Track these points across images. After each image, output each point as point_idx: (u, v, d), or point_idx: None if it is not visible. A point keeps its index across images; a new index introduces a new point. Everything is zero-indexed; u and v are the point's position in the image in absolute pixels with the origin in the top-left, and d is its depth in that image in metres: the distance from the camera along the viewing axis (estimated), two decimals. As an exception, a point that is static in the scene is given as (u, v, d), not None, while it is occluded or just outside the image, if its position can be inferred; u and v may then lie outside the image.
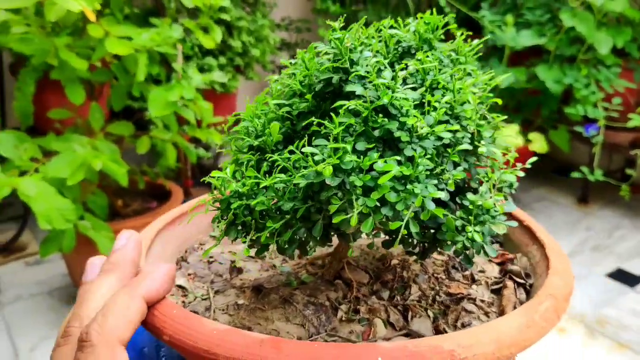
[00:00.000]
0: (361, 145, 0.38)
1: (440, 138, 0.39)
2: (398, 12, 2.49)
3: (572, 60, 2.11)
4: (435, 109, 0.39)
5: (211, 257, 0.55)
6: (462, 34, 0.46)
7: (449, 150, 0.39)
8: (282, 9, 2.69)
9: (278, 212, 0.39)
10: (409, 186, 0.36)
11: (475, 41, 0.45)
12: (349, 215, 0.36)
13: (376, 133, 0.38)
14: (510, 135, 2.00)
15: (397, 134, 0.37)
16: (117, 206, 1.76)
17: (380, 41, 0.45)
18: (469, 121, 0.41)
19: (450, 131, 0.40)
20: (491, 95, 0.44)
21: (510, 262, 0.54)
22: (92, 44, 1.47)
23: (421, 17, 0.44)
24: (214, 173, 0.41)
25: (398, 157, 0.36)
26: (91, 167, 1.38)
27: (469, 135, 0.41)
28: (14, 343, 1.51)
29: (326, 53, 0.44)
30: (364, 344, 0.38)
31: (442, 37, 0.45)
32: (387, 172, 0.35)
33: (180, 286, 0.50)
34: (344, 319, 0.45)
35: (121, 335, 0.37)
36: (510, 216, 0.57)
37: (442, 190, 0.40)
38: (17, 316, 1.63)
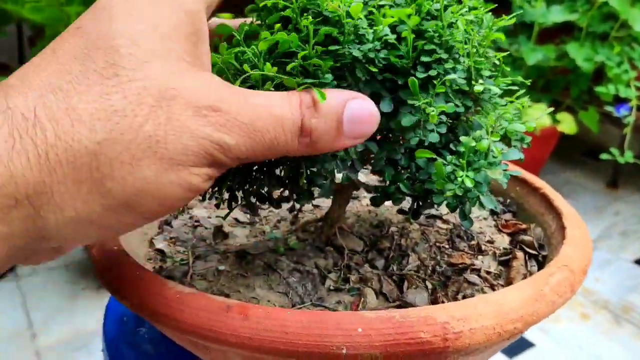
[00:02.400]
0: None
1: (424, 66, 0.34)
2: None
3: (605, 37, 2.01)
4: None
5: (197, 221, 0.51)
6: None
7: (436, 81, 0.34)
8: None
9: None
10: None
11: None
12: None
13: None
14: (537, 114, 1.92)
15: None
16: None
17: None
18: (461, 52, 0.35)
19: (437, 60, 0.34)
20: (496, 34, 0.39)
21: (523, 232, 0.49)
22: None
23: None
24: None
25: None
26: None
27: (462, 68, 0.35)
28: (28, 315, 1.51)
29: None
30: (345, 312, 0.34)
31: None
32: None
33: (159, 250, 0.47)
34: (332, 288, 0.41)
35: None
36: (524, 183, 0.52)
37: (431, 131, 0.35)
38: (33, 289, 1.62)
